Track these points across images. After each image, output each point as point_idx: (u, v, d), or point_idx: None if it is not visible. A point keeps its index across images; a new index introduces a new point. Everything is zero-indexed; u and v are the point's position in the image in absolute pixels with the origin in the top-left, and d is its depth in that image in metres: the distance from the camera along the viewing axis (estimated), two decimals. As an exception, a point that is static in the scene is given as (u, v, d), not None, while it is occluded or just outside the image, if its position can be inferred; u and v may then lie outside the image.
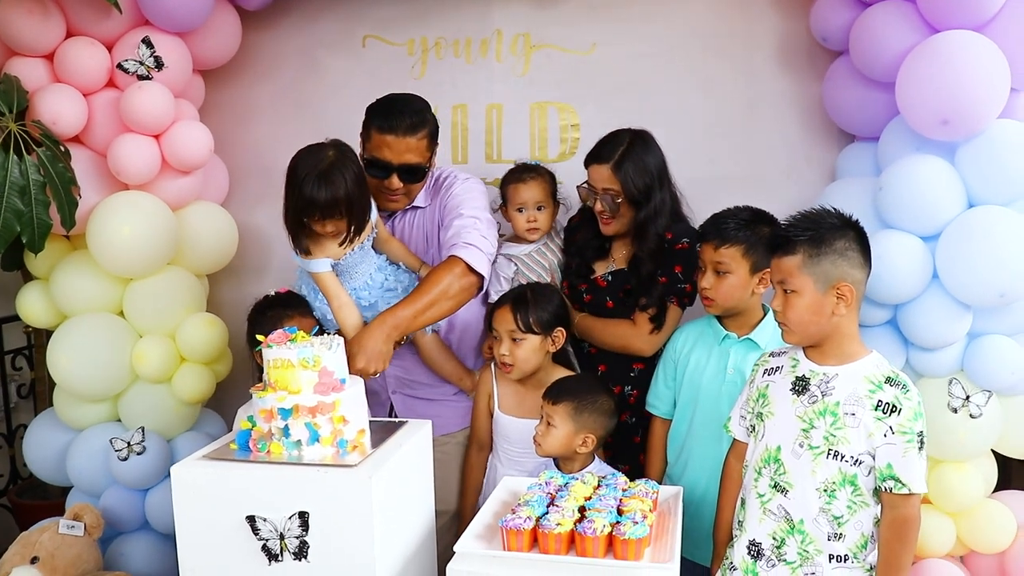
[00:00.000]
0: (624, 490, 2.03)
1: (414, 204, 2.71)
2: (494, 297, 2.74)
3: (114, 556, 2.82)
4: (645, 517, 1.84)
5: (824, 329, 1.99)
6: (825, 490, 1.97)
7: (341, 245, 2.39)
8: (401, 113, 2.52)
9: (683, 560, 2.49)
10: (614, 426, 2.43)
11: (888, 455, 1.91)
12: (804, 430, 2.00)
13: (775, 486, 2.04)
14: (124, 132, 2.74)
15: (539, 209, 2.79)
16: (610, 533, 1.80)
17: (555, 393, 2.37)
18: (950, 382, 2.57)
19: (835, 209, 2.04)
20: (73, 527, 2.62)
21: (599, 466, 2.37)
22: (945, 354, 2.56)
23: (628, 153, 2.60)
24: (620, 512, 1.90)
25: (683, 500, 2.49)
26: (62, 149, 2.64)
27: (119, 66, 2.75)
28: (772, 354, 2.19)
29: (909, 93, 2.46)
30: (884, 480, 1.92)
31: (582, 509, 1.92)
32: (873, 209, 2.59)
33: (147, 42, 2.75)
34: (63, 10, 2.71)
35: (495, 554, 1.82)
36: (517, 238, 2.85)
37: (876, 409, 1.93)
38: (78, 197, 2.66)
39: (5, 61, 2.72)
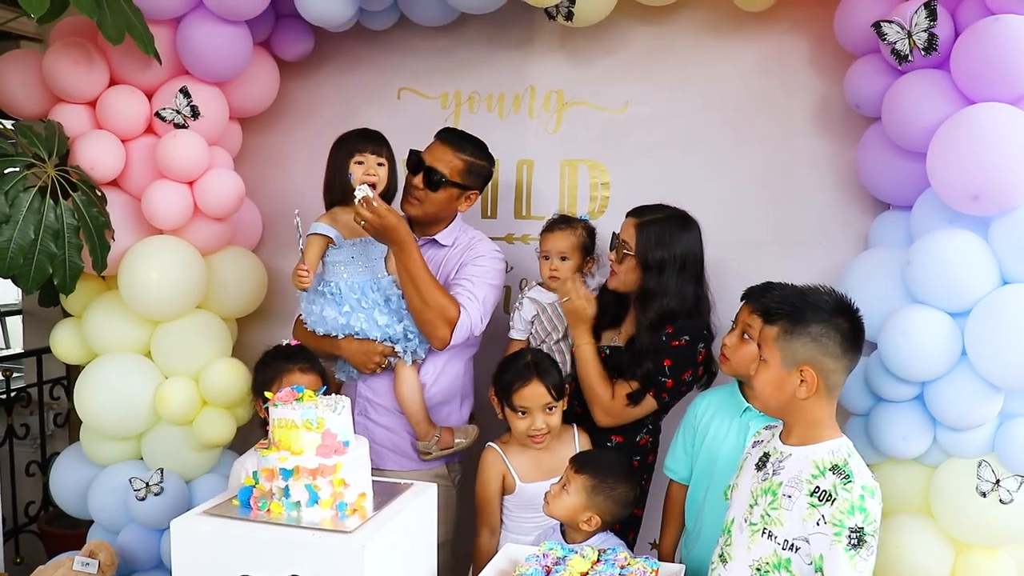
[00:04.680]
0: (622, 567, 1.99)
1: (436, 239, 2.83)
2: (514, 335, 2.83)
3: (128, 595, 2.86)
4: (638, 599, 1.80)
5: (785, 406, 1.98)
6: (758, 569, 1.94)
7: (374, 188, 2.60)
8: (464, 136, 2.83)
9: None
10: (624, 516, 2.41)
11: (819, 545, 1.85)
12: (750, 505, 1.99)
13: (721, 556, 2.05)
14: (159, 178, 2.81)
15: (562, 259, 2.81)
16: (601, 615, 1.77)
17: (582, 463, 2.37)
18: (979, 464, 2.47)
19: (834, 293, 2.01)
20: (87, 564, 2.67)
21: (604, 538, 2.34)
22: (974, 435, 2.46)
23: (661, 221, 2.62)
24: (615, 592, 1.86)
25: (694, 571, 2.46)
26: (98, 194, 2.72)
27: (157, 114, 2.84)
28: (768, 427, 2.17)
29: (939, 166, 2.40)
30: (816, 570, 1.85)
31: (577, 586, 1.89)
32: (902, 282, 2.53)
33: (184, 92, 2.82)
34: (107, 59, 2.80)
35: (483, 629, 1.80)
36: (546, 285, 2.88)
37: (812, 495, 1.87)
38: (111, 241, 2.74)
39: (51, 108, 2.82)
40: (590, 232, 2.85)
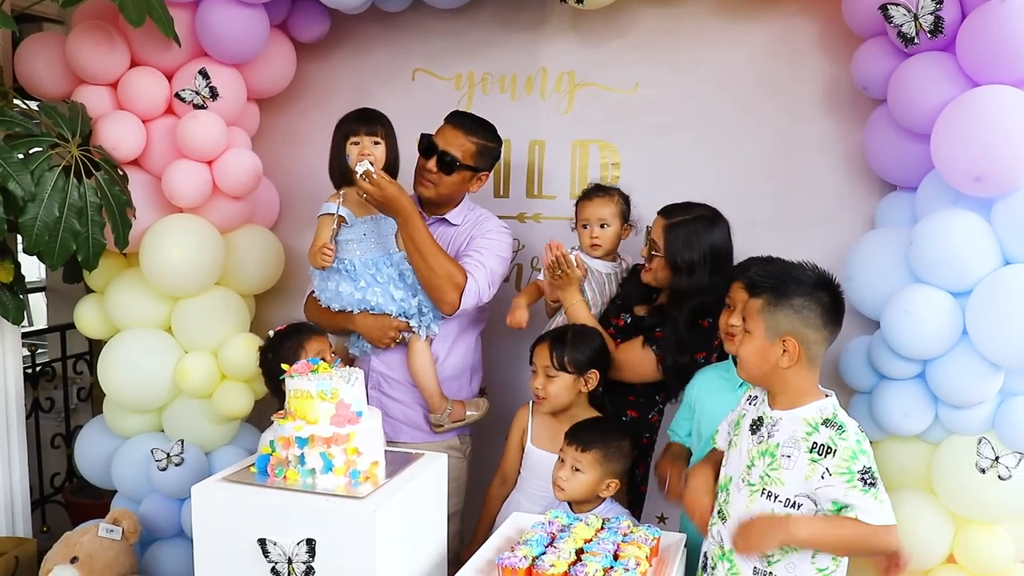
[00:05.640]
0: (625, 535, 2.05)
1: (446, 218, 2.90)
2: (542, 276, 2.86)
3: (150, 561, 2.96)
4: (639, 564, 1.87)
5: (768, 375, 2.05)
6: None
7: (375, 164, 2.62)
8: (474, 118, 2.89)
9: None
10: (628, 465, 2.50)
11: (830, 496, 1.92)
12: (748, 466, 2.06)
13: (719, 512, 2.12)
14: (179, 158, 2.88)
15: (602, 227, 2.84)
16: (602, 579, 1.84)
17: (583, 440, 2.43)
18: (979, 441, 2.52)
19: (817, 268, 2.08)
20: (112, 531, 2.76)
21: (608, 506, 2.40)
22: (975, 412, 2.52)
23: (688, 222, 2.62)
24: (616, 557, 1.93)
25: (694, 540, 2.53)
26: (120, 173, 2.79)
27: (177, 95, 2.90)
28: None
29: (943, 148, 2.43)
30: (840, 511, 1.93)
31: (580, 551, 1.96)
32: (906, 262, 2.57)
33: (203, 73, 2.88)
34: (128, 42, 2.86)
35: (489, 592, 1.87)
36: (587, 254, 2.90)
37: (811, 451, 1.95)
38: (133, 219, 2.81)
39: (74, 89, 2.89)
40: (626, 199, 2.88)
